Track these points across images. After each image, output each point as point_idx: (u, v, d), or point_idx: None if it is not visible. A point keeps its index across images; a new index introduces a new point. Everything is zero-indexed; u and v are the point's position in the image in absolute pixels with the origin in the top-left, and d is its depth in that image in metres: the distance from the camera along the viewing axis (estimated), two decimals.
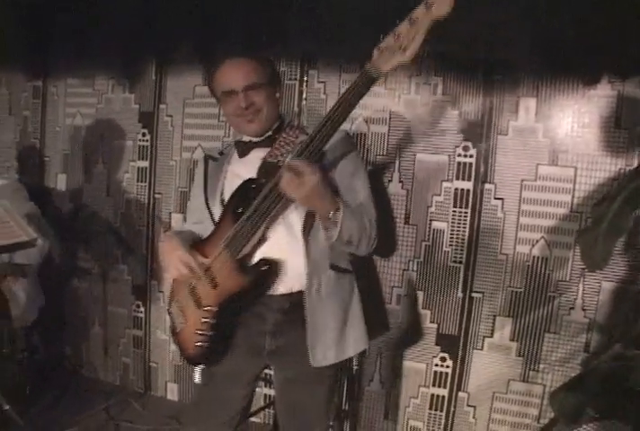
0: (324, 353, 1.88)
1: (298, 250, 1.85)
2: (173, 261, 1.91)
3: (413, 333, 2.85)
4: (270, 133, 1.96)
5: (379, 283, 2.87)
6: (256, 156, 1.95)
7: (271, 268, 1.85)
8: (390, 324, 2.88)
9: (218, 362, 2.00)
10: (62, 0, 3.49)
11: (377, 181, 2.74)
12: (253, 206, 1.79)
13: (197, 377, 2.16)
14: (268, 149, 1.91)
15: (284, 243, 1.88)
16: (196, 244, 1.99)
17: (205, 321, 1.92)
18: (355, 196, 1.90)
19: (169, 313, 2.12)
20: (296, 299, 1.88)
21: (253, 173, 1.92)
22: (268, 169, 1.86)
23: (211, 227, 1.99)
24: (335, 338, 1.90)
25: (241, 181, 1.92)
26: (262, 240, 1.87)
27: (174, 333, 2.09)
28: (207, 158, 2.15)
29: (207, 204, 2.04)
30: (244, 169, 1.97)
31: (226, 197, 1.98)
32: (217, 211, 2.00)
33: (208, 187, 2.07)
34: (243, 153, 2.02)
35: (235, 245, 1.84)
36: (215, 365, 2.03)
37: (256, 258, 1.88)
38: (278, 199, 1.75)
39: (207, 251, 1.95)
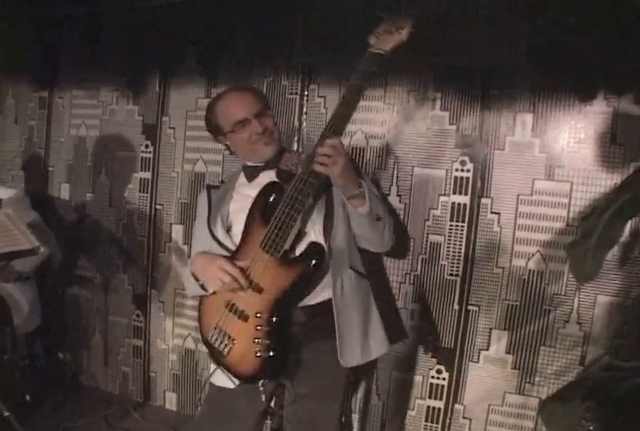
0: (352, 354, 1.92)
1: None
2: (215, 272, 1.84)
3: (409, 345, 2.87)
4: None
5: (390, 291, 2.89)
6: (265, 178, 2.01)
7: (319, 251, 1.85)
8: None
9: (280, 375, 1.96)
10: (69, 13, 3.54)
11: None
12: (285, 199, 1.83)
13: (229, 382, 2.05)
14: (274, 170, 2.01)
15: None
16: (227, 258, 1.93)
17: (259, 329, 1.85)
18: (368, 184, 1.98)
19: (207, 344, 2.02)
20: (312, 311, 1.92)
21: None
22: (285, 175, 1.96)
23: (220, 251, 1.98)
24: (360, 339, 1.95)
25: (252, 200, 1.95)
26: (301, 234, 1.91)
27: (220, 359, 1.97)
28: (209, 188, 2.20)
29: (210, 230, 2.05)
30: (254, 189, 2.00)
31: (233, 218, 2.04)
32: (222, 234, 2.03)
33: (211, 214, 2.09)
34: (252, 177, 2.08)
35: (276, 242, 1.83)
36: (276, 378, 2.00)
37: (297, 251, 1.90)
38: (311, 185, 1.81)
39: (241, 261, 1.90)
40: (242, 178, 2.13)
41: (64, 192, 3.69)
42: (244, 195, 2.06)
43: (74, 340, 3.77)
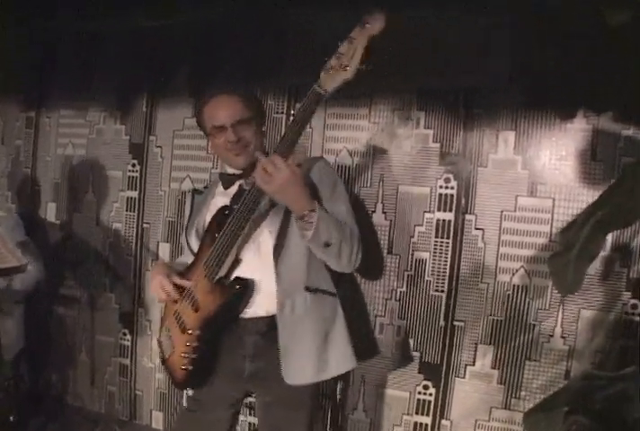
0: (301, 371, 1.92)
1: (271, 273, 1.91)
2: (155, 286, 2.01)
3: (396, 361, 2.88)
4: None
5: (365, 307, 2.91)
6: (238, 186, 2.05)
7: (245, 287, 1.91)
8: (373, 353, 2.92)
9: (203, 385, 2.05)
10: (57, 33, 3.57)
11: (361, 212, 2.79)
12: (226, 229, 1.88)
13: (185, 402, 2.20)
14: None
15: (257, 265, 1.95)
16: (182, 271, 2.07)
17: (188, 345, 1.97)
18: (336, 208, 1.98)
19: (158, 342, 2.17)
20: (273, 322, 1.93)
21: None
22: (240, 195, 1.96)
23: (187, 249, 2.11)
24: (314, 358, 1.94)
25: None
26: (237, 262, 1.95)
27: (164, 360, 2.14)
28: (193, 192, 2.27)
29: (186, 236, 2.14)
30: (225, 199, 2.06)
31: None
32: (194, 242, 2.10)
33: (190, 220, 2.17)
34: (227, 185, 2.11)
35: (212, 267, 1.92)
36: (200, 387, 2.08)
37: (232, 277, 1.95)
38: (247, 216, 1.85)
39: (189, 278, 2.02)
40: (220, 185, 2.16)
41: (50, 211, 3.69)
42: (217, 206, 2.08)
43: (59, 360, 3.74)
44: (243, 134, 1.98)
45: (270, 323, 1.94)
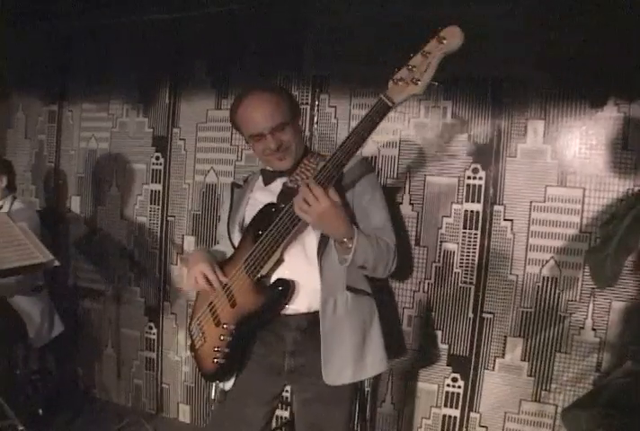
0: (340, 372, 1.91)
1: (315, 272, 1.89)
2: (194, 272, 1.96)
3: (424, 354, 2.87)
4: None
5: (395, 306, 2.89)
6: (280, 184, 2.01)
7: (286, 289, 1.89)
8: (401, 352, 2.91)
9: (233, 378, 2.06)
10: (79, 27, 3.57)
11: (390, 203, 2.77)
12: (270, 228, 1.85)
13: (213, 394, 2.20)
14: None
15: (300, 265, 1.93)
16: (219, 264, 2.04)
17: (222, 339, 1.97)
18: (372, 220, 1.96)
19: (189, 331, 2.17)
20: (314, 318, 1.91)
21: (271, 198, 1.99)
22: (287, 193, 1.92)
23: (228, 242, 2.07)
24: (353, 358, 1.93)
25: (261, 206, 1.98)
26: (279, 261, 1.92)
27: (193, 350, 2.14)
28: (233, 186, 2.22)
29: (228, 229, 2.10)
30: (266, 196, 2.03)
31: (247, 222, 2.04)
32: (237, 236, 2.06)
33: (231, 213, 2.13)
34: (268, 182, 2.07)
35: (254, 266, 1.90)
36: (228, 380, 2.08)
37: (273, 278, 1.92)
38: (294, 222, 1.81)
39: (227, 272, 2.00)
40: (260, 180, 2.13)
41: (75, 205, 3.70)
42: (258, 201, 2.06)
43: (86, 353, 3.77)
44: (282, 138, 1.92)
45: (310, 320, 1.93)
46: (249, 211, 2.06)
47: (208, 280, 1.95)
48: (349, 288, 1.96)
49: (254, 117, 1.92)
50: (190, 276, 1.99)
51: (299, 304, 1.93)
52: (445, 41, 1.63)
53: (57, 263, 2.52)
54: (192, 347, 2.15)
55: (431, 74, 1.66)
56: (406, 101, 2.69)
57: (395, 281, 2.86)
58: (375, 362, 2.00)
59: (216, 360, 1.99)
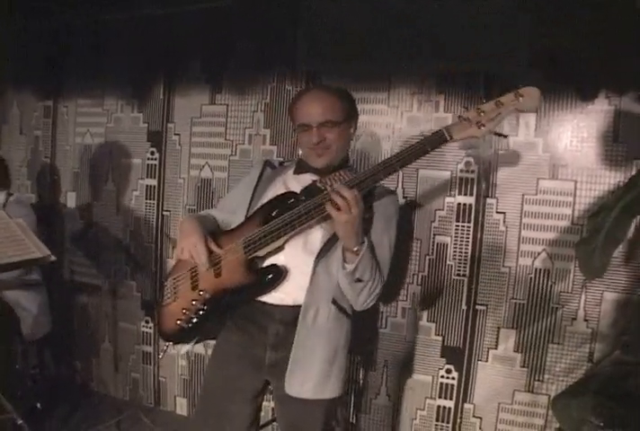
0: (302, 384, 1.90)
1: (308, 269, 1.89)
2: (186, 243, 1.96)
3: (418, 346, 2.89)
4: (330, 168, 1.99)
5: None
6: (309, 178, 2.01)
7: (277, 277, 1.90)
8: (395, 337, 2.93)
9: (187, 345, 2.12)
10: (73, 23, 3.58)
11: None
12: (286, 217, 1.85)
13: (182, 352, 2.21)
14: (320, 176, 1.97)
15: (298, 257, 1.92)
16: (215, 233, 2.05)
17: (194, 304, 1.99)
18: (380, 242, 1.95)
19: (163, 286, 2.18)
20: (298, 313, 1.90)
21: (297, 188, 1.98)
22: (312, 190, 1.91)
23: (241, 218, 2.04)
24: (319, 374, 1.91)
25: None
26: (280, 248, 1.92)
27: (159, 305, 2.15)
28: (266, 163, 2.20)
29: (250, 202, 2.08)
30: (292, 184, 2.04)
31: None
32: (248, 213, 2.06)
33: (257, 188, 2.11)
34: (299, 171, 2.07)
35: (253, 245, 1.90)
36: (183, 344, 2.13)
37: (267, 262, 1.94)
38: (310, 216, 1.81)
39: (223, 242, 2.00)
40: (293, 168, 2.12)
41: (70, 200, 3.72)
42: (285, 186, 2.06)
43: (83, 348, 3.79)
44: (326, 135, 1.93)
45: (295, 314, 1.91)
46: (271, 194, 2.04)
47: (197, 255, 1.94)
48: (334, 302, 1.94)
49: (308, 108, 1.94)
50: (182, 244, 1.97)
51: (286, 295, 1.93)
52: (521, 99, 1.64)
53: (53, 258, 2.54)
54: (159, 302, 2.16)
55: (496, 124, 1.67)
56: (399, 96, 2.79)
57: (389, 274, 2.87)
58: (336, 385, 1.97)
59: (179, 322, 2.00)
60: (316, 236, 1.93)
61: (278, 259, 1.93)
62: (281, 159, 2.23)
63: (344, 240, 1.80)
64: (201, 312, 1.98)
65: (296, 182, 2.04)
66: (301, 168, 2.07)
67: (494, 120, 1.65)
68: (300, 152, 2.08)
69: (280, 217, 1.86)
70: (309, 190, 1.92)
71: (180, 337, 2.07)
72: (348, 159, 2.10)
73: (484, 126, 1.65)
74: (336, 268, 1.90)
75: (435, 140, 1.71)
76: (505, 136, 1.70)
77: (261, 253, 1.91)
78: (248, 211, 2.06)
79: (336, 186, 1.74)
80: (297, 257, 1.93)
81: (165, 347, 2.18)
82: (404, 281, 2.88)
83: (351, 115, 2.02)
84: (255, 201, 2.07)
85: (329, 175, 1.92)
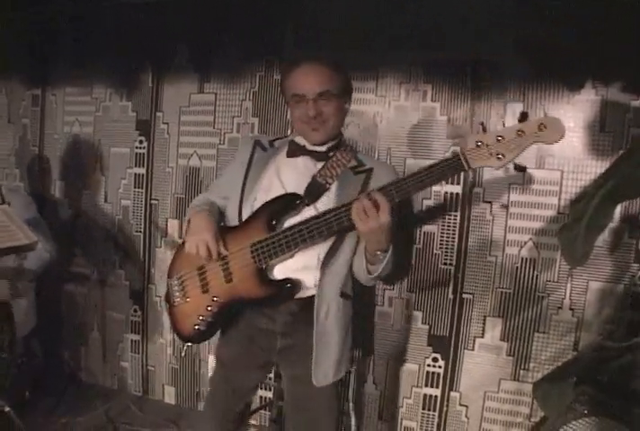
0: (326, 374, 1.93)
1: (313, 266, 1.90)
2: (197, 240, 1.90)
3: (405, 334, 2.91)
4: (324, 148, 1.96)
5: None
6: (304, 164, 1.97)
7: (294, 289, 1.88)
8: (382, 326, 2.95)
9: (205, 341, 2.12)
10: (61, 10, 3.55)
11: None
12: (303, 229, 1.79)
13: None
14: (316, 162, 1.95)
15: (304, 255, 1.90)
16: (221, 231, 1.97)
17: (209, 309, 1.97)
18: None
19: (168, 284, 2.12)
20: (304, 303, 1.92)
21: (294, 180, 1.93)
22: (314, 189, 1.89)
23: (235, 205, 1.97)
24: (335, 362, 1.95)
25: (280, 184, 1.94)
26: (290, 257, 1.89)
27: (170, 305, 2.12)
28: (256, 144, 2.09)
29: (243, 188, 2.00)
30: (288, 172, 1.97)
31: (257, 195, 1.96)
32: (251, 198, 1.97)
33: (249, 173, 2.02)
34: (292, 154, 1.99)
35: (265, 254, 1.85)
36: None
37: (276, 270, 1.91)
38: (331, 230, 1.77)
39: (228, 242, 1.94)
40: (285, 150, 2.04)
41: (59, 189, 3.70)
42: (278, 173, 1.98)
43: (71, 337, 3.78)
44: (323, 108, 1.86)
45: (301, 304, 1.93)
46: (265, 183, 1.98)
47: (209, 252, 1.89)
48: (342, 295, 1.95)
49: (304, 78, 1.86)
50: (192, 240, 1.91)
51: None
52: (545, 130, 1.55)
53: (40, 246, 2.53)
54: (169, 301, 2.12)
55: (516, 155, 1.58)
56: (387, 85, 2.79)
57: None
58: (347, 362, 2.03)
59: (197, 327, 2.00)
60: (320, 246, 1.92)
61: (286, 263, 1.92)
62: (271, 137, 2.13)
63: (370, 245, 1.77)
64: (218, 316, 1.99)
65: (291, 169, 1.97)
66: (293, 150, 2.00)
67: (514, 151, 1.57)
68: (291, 130, 2.02)
69: (298, 225, 1.80)
70: (311, 189, 1.90)
71: (199, 339, 2.08)
72: (342, 135, 2.04)
73: (503, 157, 1.58)
74: (344, 261, 1.92)
75: (452, 168, 1.63)
76: (524, 169, 1.62)
77: (273, 262, 1.88)
78: (242, 197, 1.98)
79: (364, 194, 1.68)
80: (302, 255, 1.91)
81: (187, 347, 2.15)
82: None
83: (347, 88, 1.97)
84: (249, 186, 1.99)
85: (327, 164, 1.91)
